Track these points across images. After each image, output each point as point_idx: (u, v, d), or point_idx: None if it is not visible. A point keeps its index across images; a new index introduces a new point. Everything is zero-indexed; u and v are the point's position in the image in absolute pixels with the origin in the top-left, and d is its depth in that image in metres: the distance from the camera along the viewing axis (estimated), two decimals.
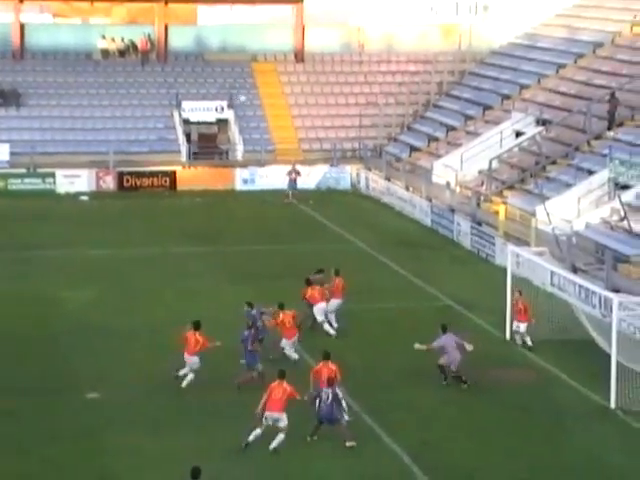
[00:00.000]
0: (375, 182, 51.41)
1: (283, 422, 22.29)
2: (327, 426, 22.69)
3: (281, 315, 27.73)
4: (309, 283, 30.41)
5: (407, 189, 48.35)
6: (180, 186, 51.58)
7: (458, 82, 58.25)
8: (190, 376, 26.05)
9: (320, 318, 30.11)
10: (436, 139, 53.55)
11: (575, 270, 34.22)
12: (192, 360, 26.05)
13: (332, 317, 30.47)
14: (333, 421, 22.65)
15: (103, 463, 22.16)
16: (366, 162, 53.82)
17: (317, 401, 22.82)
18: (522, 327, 29.19)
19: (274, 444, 22.20)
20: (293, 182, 49.37)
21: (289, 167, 49.94)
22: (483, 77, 57.01)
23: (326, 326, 30.12)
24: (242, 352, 26.28)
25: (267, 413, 22.31)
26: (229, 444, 22.76)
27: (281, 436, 22.24)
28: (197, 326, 26.25)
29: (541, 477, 21.52)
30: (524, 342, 29.10)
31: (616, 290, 30.48)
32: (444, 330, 26.53)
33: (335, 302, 30.54)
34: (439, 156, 50.75)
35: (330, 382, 22.94)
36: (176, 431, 23.59)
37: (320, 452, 22.63)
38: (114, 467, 21.98)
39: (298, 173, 49.70)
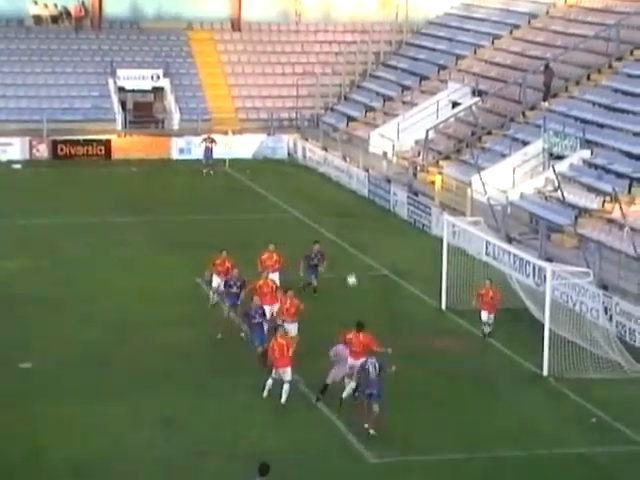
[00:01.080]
0: (312, 152, 51.30)
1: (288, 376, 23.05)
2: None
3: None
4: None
5: (344, 159, 48.32)
6: (115, 155, 51.06)
7: (395, 52, 58.27)
8: None
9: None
10: (373, 109, 53.56)
11: (510, 240, 34.51)
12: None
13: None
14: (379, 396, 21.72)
15: (34, 432, 21.97)
16: (303, 132, 53.67)
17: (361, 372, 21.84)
18: (491, 318, 27.57)
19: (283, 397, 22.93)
20: (209, 151, 48.55)
21: (204, 136, 49.15)
22: (419, 47, 57.08)
23: None
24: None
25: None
26: (160, 413, 22.69)
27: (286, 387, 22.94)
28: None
29: (474, 443, 21.70)
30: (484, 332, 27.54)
31: (549, 259, 30.79)
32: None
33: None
34: (376, 126, 50.76)
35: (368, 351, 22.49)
36: (107, 401, 23.46)
37: (254, 420, 22.63)
38: (45, 436, 21.80)
39: (213, 142, 48.82)
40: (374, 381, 21.73)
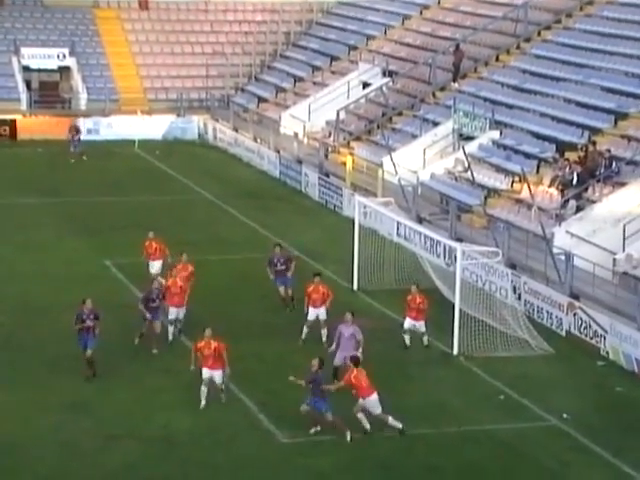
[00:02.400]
0: (223, 133, 50.93)
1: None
2: None
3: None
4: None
5: (255, 140, 48.07)
6: (21, 135, 50.08)
7: (305, 32, 58.11)
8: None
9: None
10: (283, 90, 53.36)
11: (420, 220, 34.69)
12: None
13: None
14: None
15: None
16: (213, 112, 53.25)
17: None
18: (422, 326, 25.65)
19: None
20: (76, 140, 46.49)
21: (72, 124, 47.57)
22: (330, 27, 56.99)
23: None
24: None
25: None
26: (67, 397, 22.33)
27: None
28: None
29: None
30: (422, 342, 25.62)
31: (460, 239, 31.01)
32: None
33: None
34: (287, 107, 50.59)
35: None
36: (12, 385, 23.01)
37: (164, 403, 22.39)
38: None
39: (78, 130, 46.98)
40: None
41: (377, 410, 21.11)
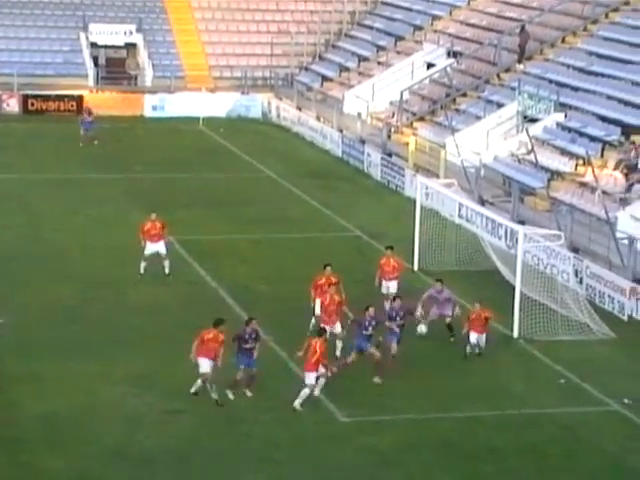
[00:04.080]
0: (286, 111, 51.10)
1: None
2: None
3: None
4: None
5: (318, 119, 48.19)
6: None
7: (371, 12, 57.98)
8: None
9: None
10: (348, 69, 53.35)
11: (482, 202, 34.62)
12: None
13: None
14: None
15: (5, 388, 21.94)
16: (277, 91, 53.43)
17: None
18: (482, 339, 24.55)
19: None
20: (87, 123, 45.14)
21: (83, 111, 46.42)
22: (395, 7, 56.79)
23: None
24: None
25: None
26: (132, 370, 22.71)
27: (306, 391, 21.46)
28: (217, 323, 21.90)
29: (444, 403, 21.88)
30: (478, 352, 24.61)
31: (522, 222, 30.94)
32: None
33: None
34: (350, 86, 50.60)
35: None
36: (78, 357, 23.45)
37: (225, 381, 22.64)
38: (17, 392, 21.79)
39: (90, 113, 45.72)
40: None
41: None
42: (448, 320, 25.17)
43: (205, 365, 21.44)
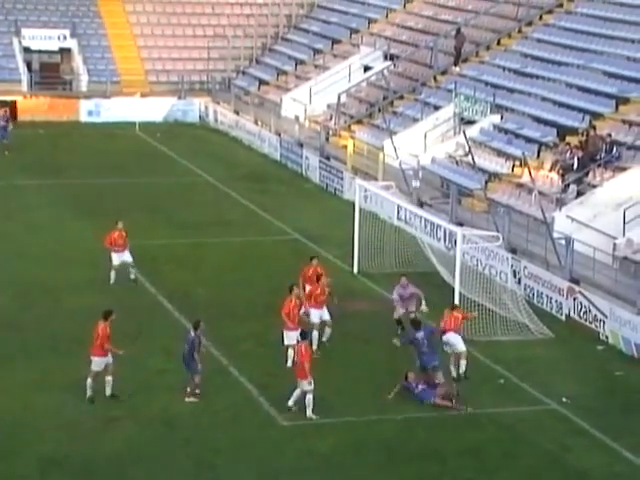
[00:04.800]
0: (224, 115, 50.90)
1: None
2: None
3: None
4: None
5: (256, 123, 48.05)
6: (21, 116, 50.10)
7: (307, 15, 58.00)
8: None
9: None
10: (285, 73, 53.29)
11: (421, 204, 34.72)
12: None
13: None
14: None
15: None
16: (214, 95, 53.21)
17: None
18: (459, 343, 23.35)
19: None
20: (3, 129, 44.06)
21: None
22: (332, 10, 56.88)
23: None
24: None
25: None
26: (69, 377, 22.36)
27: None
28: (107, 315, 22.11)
29: (385, 405, 21.84)
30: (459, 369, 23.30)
31: (460, 224, 31.05)
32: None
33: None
34: (288, 90, 50.54)
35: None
36: (15, 365, 23.11)
37: (166, 385, 22.46)
38: None
39: (7, 120, 44.34)
40: (430, 353, 22.14)
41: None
42: (412, 316, 25.04)
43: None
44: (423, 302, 25.61)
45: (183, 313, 26.17)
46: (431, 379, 22.22)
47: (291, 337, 22.96)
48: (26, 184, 39.10)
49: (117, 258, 28.35)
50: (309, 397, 21.05)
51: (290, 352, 23.12)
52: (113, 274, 28.32)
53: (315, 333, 24.36)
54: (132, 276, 28.50)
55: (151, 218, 34.60)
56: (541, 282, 28.29)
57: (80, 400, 21.54)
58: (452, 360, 23.34)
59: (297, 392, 21.24)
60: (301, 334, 22.18)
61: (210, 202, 37.71)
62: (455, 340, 23.40)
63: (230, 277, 29.39)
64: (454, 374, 23.25)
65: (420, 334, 22.48)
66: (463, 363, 23.27)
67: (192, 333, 21.84)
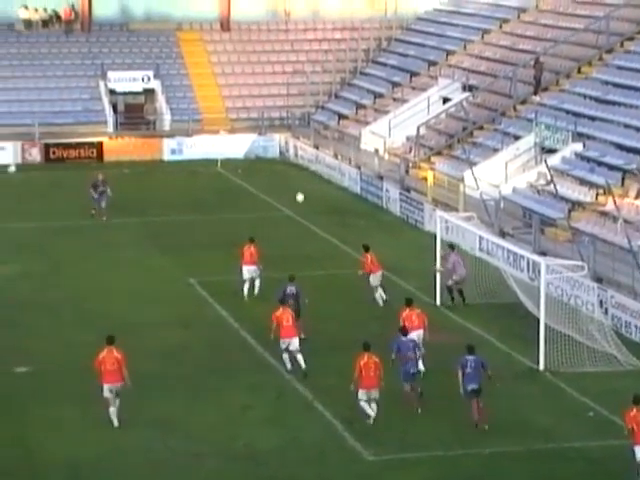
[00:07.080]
0: (303, 150, 51.22)
1: None
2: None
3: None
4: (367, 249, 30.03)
5: (335, 157, 48.25)
6: (107, 157, 50.97)
7: (384, 49, 58.21)
8: None
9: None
10: (363, 106, 53.47)
11: (503, 234, 34.46)
12: None
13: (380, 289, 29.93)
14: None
15: (29, 434, 21.87)
16: (294, 130, 53.60)
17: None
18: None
19: None
20: (100, 195, 40.40)
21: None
22: (409, 43, 57.00)
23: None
24: None
25: None
26: (156, 414, 22.53)
27: None
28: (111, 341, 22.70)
29: (471, 438, 21.63)
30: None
31: (543, 253, 30.74)
32: (452, 249, 29.27)
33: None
34: (367, 123, 50.69)
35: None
36: (99, 403, 23.32)
37: (250, 420, 22.53)
38: (41, 438, 21.71)
39: (105, 185, 40.51)
40: (472, 376, 22.09)
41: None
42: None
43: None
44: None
45: (268, 350, 26.23)
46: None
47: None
48: (112, 223, 39.68)
49: (247, 272, 30.19)
50: (362, 404, 22.05)
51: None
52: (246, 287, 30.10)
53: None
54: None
55: (233, 254, 34.85)
56: (629, 312, 27.80)
57: (167, 437, 21.69)
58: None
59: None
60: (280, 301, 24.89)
61: (291, 236, 37.88)
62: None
63: (312, 311, 29.39)
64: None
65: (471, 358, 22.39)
66: None
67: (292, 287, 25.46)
